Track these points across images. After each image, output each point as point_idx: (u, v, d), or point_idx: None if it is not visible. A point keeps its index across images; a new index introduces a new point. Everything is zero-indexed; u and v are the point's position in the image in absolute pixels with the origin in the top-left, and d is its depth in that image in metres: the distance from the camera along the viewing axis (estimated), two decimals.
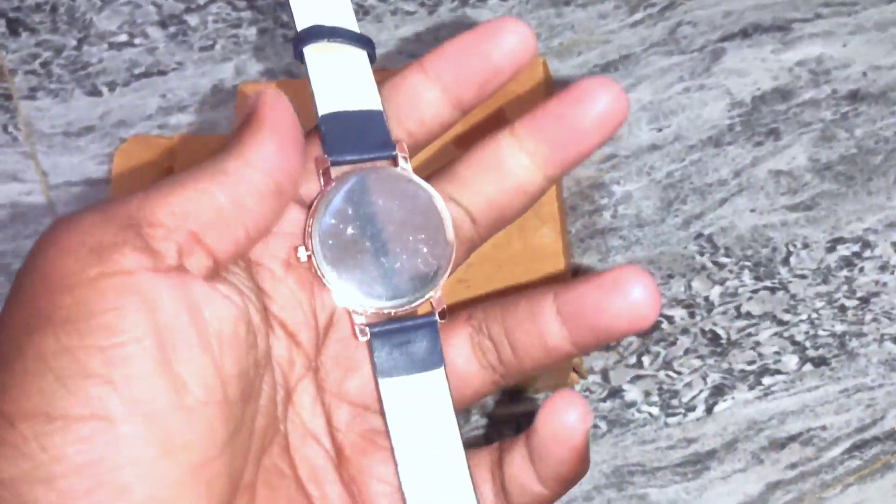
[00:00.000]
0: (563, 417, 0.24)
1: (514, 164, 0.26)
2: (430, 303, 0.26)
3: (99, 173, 0.50)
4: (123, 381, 0.21)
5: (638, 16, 0.50)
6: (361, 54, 0.26)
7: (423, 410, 0.25)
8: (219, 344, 0.22)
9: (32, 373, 0.21)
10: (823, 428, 0.41)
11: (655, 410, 0.42)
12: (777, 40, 0.48)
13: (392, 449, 0.25)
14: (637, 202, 0.46)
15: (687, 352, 0.43)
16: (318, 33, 0.26)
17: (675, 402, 0.42)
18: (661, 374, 0.43)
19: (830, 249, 0.44)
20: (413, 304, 0.25)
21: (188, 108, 0.51)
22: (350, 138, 0.25)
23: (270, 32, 0.52)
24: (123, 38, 0.53)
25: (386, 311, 0.25)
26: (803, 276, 0.44)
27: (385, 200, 0.25)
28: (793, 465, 0.41)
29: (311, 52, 0.26)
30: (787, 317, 0.43)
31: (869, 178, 0.45)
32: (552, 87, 0.47)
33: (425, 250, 0.25)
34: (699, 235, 0.45)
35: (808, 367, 0.42)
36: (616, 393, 0.43)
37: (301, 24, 0.26)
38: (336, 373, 0.26)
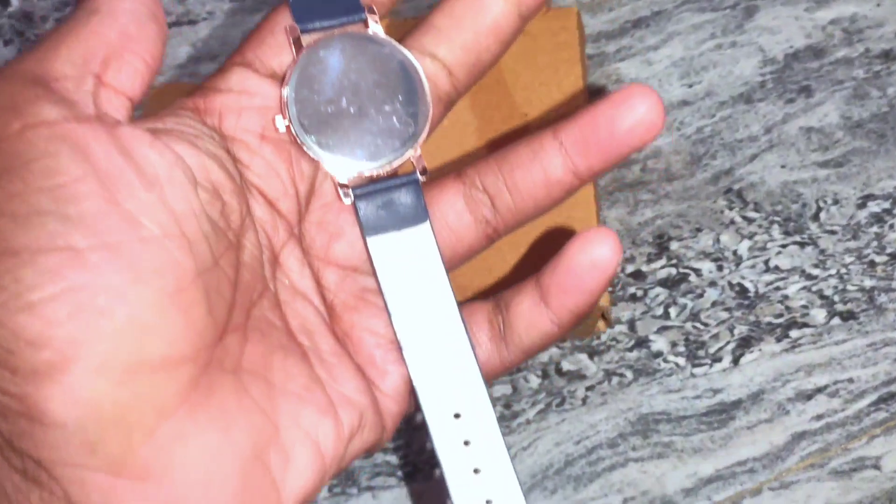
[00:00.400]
0: (598, 249, 0.25)
1: (489, 5, 0.26)
2: (411, 161, 0.26)
3: None
4: (77, 216, 0.21)
5: None
6: None
7: (412, 264, 0.26)
8: (159, 182, 0.22)
9: None
10: (850, 381, 0.41)
11: (682, 361, 0.42)
12: None
13: (385, 303, 0.25)
14: (667, 157, 0.46)
15: (714, 304, 0.43)
16: None
17: (701, 352, 0.42)
18: (688, 325, 0.43)
19: (861, 206, 0.44)
20: (394, 164, 0.26)
21: (219, 58, 0.51)
22: (318, 4, 0.25)
23: None
24: None
25: (368, 173, 0.26)
26: (833, 232, 0.44)
27: (359, 64, 0.25)
28: (819, 417, 0.41)
29: None
30: (815, 271, 0.43)
31: None
32: (585, 39, 0.47)
33: (402, 110, 0.26)
34: (728, 190, 0.45)
35: (836, 320, 0.42)
36: (642, 343, 0.43)
37: None
38: (321, 238, 0.26)
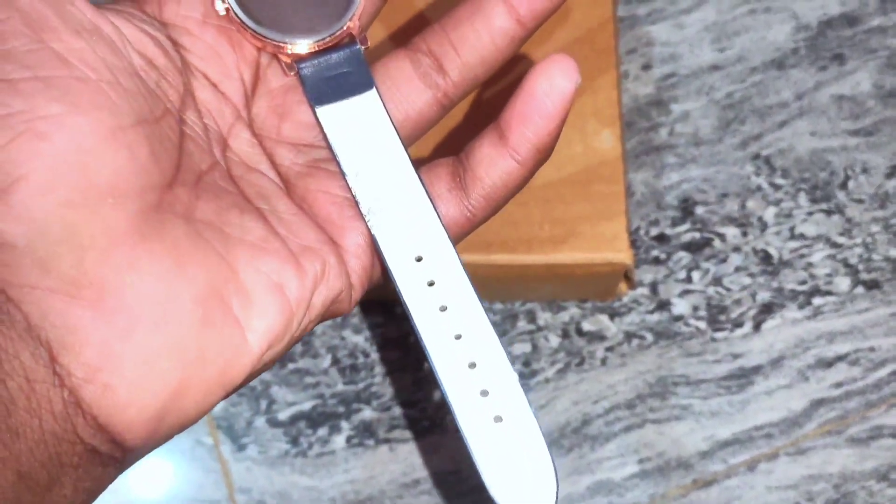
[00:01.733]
0: (557, 73, 0.25)
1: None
2: (351, 32, 0.26)
3: None
4: (5, 54, 0.21)
5: None
6: None
7: (364, 131, 0.26)
8: (86, 32, 0.22)
9: None
10: (871, 349, 0.41)
11: (703, 325, 0.42)
12: None
13: (339, 167, 0.26)
14: (695, 121, 0.46)
15: (737, 269, 0.43)
16: None
17: (722, 317, 0.42)
18: (711, 289, 0.43)
19: (889, 175, 0.44)
20: (333, 35, 0.26)
21: None
22: None
23: None
24: None
25: (308, 48, 0.26)
26: (860, 201, 0.43)
27: None
28: (838, 384, 0.41)
29: None
30: (841, 240, 0.43)
31: None
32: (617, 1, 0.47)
33: None
34: (756, 156, 0.45)
35: (860, 289, 0.42)
36: (664, 306, 0.43)
37: None
38: (271, 120, 0.26)
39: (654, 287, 0.43)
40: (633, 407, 0.41)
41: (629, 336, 0.43)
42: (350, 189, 0.26)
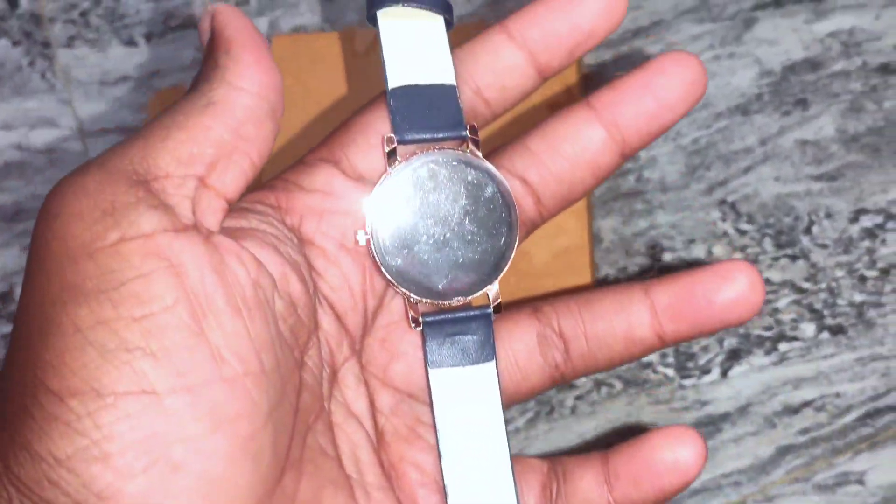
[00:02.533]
0: (683, 450, 0.24)
1: (589, 137, 0.25)
2: (487, 294, 0.25)
3: (134, 121, 0.51)
4: (163, 353, 0.21)
5: None
6: (438, 20, 0.25)
7: (470, 404, 0.25)
8: (246, 307, 0.22)
9: (73, 348, 0.21)
10: (837, 395, 0.41)
11: (671, 372, 0.43)
12: (810, 11, 0.48)
13: (437, 441, 0.25)
14: (662, 167, 0.47)
15: None
16: None
17: (690, 364, 0.43)
18: None
19: (853, 220, 0.44)
20: (469, 297, 0.25)
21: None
22: (420, 116, 0.24)
23: None
24: None
25: (441, 303, 0.25)
26: (825, 246, 0.44)
27: (450, 188, 0.24)
28: (805, 431, 0.41)
29: (385, 16, 0.24)
30: (806, 285, 0.43)
31: None
32: None
33: (486, 243, 0.25)
34: (722, 202, 0.45)
35: (826, 334, 0.42)
36: None
37: None
38: (382, 357, 0.25)
39: None
40: None
41: (598, 384, 0.43)
42: (442, 472, 0.24)
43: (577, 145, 0.26)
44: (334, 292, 0.24)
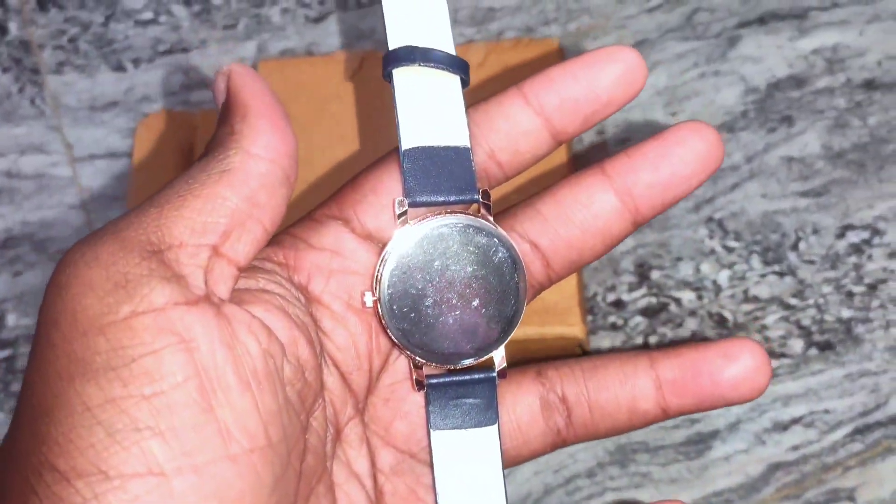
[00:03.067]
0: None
1: (601, 205, 0.25)
2: (492, 358, 0.25)
3: (122, 147, 0.51)
4: (171, 432, 0.20)
5: (655, 1, 0.50)
6: (454, 80, 0.24)
7: (471, 467, 0.25)
8: (256, 380, 0.21)
9: (81, 426, 0.20)
10: (826, 411, 0.41)
11: None
12: (794, 28, 0.49)
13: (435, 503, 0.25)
14: None
15: (694, 334, 0.44)
16: (411, 56, 0.24)
17: None
18: None
19: (840, 236, 0.44)
20: (475, 362, 0.25)
21: (210, 85, 0.52)
22: (433, 178, 0.24)
23: (292, 12, 0.53)
24: (149, 15, 0.54)
25: (446, 367, 0.25)
26: (812, 262, 0.44)
27: (460, 252, 0.24)
28: (795, 448, 0.41)
29: (401, 74, 0.24)
30: (794, 301, 0.44)
31: (881, 166, 0.45)
32: None
33: (494, 309, 0.24)
34: (709, 220, 0.45)
35: (814, 351, 0.42)
36: None
37: (394, 41, 0.24)
38: (385, 415, 0.25)
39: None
40: (593, 475, 0.42)
41: None
42: None
43: (588, 212, 0.25)
44: (340, 352, 0.24)
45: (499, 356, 0.25)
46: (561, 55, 0.45)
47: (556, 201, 0.26)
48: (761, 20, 0.49)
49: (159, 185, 0.49)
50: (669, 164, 0.25)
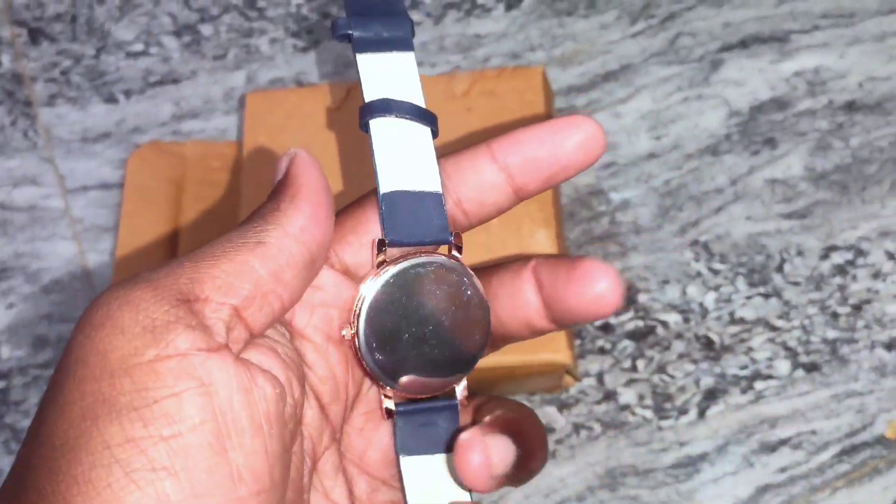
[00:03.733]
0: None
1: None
2: (454, 388, 0.27)
3: (114, 178, 0.52)
4: (185, 473, 0.21)
5: (638, 27, 0.51)
6: (426, 131, 0.27)
7: (439, 489, 0.26)
8: (268, 424, 0.23)
9: (100, 465, 0.21)
10: (814, 433, 0.42)
11: (649, 413, 0.43)
12: (775, 51, 0.49)
13: None
14: (635, 209, 0.47)
15: (681, 356, 0.44)
16: (386, 108, 0.26)
17: (668, 405, 0.43)
18: (655, 377, 0.44)
19: (824, 257, 0.45)
20: (441, 391, 0.27)
21: (200, 115, 0.53)
22: (409, 221, 0.26)
23: (280, 42, 0.54)
24: (139, 47, 0.55)
25: (413, 396, 0.26)
26: (797, 283, 0.44)
27: (433, 292, 0.26)
28: (783, 469, 0.41)
29: (377, 125, 0.26)
30: (779, 323, 0.44)
31: (863, 186, 0.46)
32: (552, 96, 0.48)
33: (462, 343, 0.26)
34: (695, 242, 0.46)
35: (800, 372, 0.43)
36: (611, 396, 0.44)
37: (369, 94, 0.26)
38: (359, 444, 0.27)
39: (600, 377, 0.44)
40: (583, 500, 0.42)
41: (577, 427, 0.43)
42: None
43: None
44: (322, 384, 0.25)
45: (461, 387, 0.27)
46: (546, 83, 0.46)
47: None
48: (743, 44, 0.50)
49: (151, 216, 0.49)
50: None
